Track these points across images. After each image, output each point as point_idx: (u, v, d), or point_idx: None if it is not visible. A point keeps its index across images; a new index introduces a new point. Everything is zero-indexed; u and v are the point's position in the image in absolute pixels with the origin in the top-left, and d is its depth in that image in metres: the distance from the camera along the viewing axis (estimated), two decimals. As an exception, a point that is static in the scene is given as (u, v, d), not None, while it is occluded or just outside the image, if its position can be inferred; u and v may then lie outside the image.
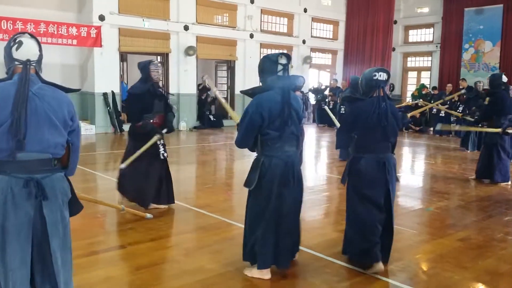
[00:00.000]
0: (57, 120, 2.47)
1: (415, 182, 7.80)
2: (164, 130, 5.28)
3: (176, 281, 3.58)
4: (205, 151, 10.84)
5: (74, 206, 2.66)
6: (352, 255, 4.00)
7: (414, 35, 18.71)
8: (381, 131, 3.80)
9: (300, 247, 4.01)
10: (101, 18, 12.56)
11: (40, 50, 2.58)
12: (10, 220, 2.36)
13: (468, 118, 9.41)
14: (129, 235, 4.56)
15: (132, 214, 5.04)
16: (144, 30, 13.41)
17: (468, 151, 10.83)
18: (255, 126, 3.48)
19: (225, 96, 16.62)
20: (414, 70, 18.96)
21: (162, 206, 5.49)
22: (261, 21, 16.36)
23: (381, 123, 3.77)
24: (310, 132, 14.46)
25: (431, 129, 14.75)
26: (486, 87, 9.13)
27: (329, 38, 18.73)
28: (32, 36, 2.58)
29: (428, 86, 16.62)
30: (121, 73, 13.76)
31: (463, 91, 7.55)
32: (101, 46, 12.47)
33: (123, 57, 14.14)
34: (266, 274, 3.64)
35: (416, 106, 14.96)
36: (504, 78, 7.44)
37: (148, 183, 5.27)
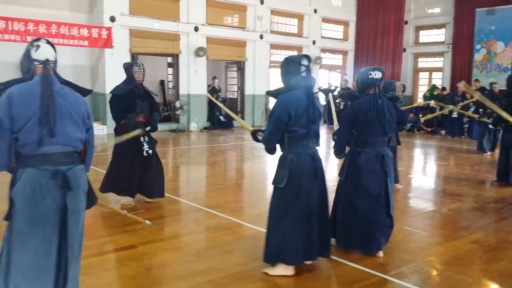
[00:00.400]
0: (77, 117, 2.67)
1: (427, 184, 7.73)
2: (148, 128, 5.53)
3: (187, 282, 3.57)
4: (215, 151, 10.85)
5: (90, 197, 2.82)
6: (350, 245, 4.18)
7: (425, 36, 18.56)
8: (379, 127, 4.08)
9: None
10: (112, 19, 12.64)
11: (56, 52, 2.77)
12: (37, 210, 2.50)
13: (485, 119, 9.30)
14: (139, 235, 4.57)
15: (142, 215, 5.05)
16: (155, 31, 13.46)
17: (488, 153, 10.57)
18: (282, 124, 3.59)
19: (236, 97, 16.66)
20: (426, 71, 18.82)
21: (149, 200, 5.72)
22: (271, 22, 16.35)
23: (379, 119, 4.05)
24: (321, 133, 14.38)
25: (443, 131, 14.62)
26: (503, 88, 8.99)
27: (339, 39, 18.67)
28: (48, 41, 2.78)
29: (439, 87, 16.48)
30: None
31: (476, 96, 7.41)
32: (112, 47, 12.55)
33: (134, 58, 14.21)
34: (290, 270, 3.68)
35: (428, 107, 14.86)
36: None
37: (131, 177, 5.50)
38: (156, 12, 13.46)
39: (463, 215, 5.79)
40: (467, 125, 14.00)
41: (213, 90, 15.27)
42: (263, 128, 3.88)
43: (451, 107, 10.61)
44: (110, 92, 5.59)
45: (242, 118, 15.81)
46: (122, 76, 5.66)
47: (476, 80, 14.35)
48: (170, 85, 16.15)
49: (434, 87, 16.52)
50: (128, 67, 5.45)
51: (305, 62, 3.68)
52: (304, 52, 17.03)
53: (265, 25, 16.04)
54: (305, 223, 3.65)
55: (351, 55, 19.00)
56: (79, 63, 13.10)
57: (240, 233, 4.80)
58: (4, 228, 2.60)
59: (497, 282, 3.75)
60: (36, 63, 2.66)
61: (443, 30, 17.84)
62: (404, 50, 18.33)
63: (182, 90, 14.43)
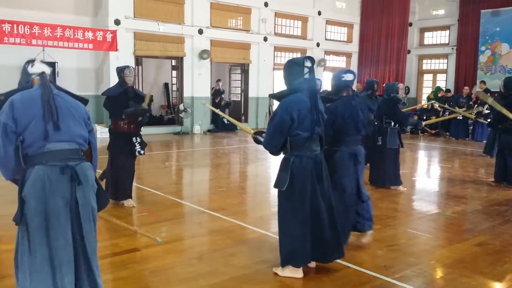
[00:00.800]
0: (78, 116, 2.78)
1: (431, 186, 7.71)
2: (140, 119, 5.67)
3: (190, 285, 3.57)
4: (219, 154, 10.85)
5: (101, 198, 2.86)
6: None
7: (430, 38, 18.54)
8: (353, 126, 4.34)
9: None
10: (117, 22, 12.69)
11: (50, 69, 2.94)
12: (50, 206, 2.57)
13: (481, 120, 9.30)
14: (143, 238, 4.56)
15: (147, 217, 5.05)
16: (159, 34, 13.51)
17: (494, 157, 10.50)
18: (284, 127, 3.57)
19: (239, 99, 16.68)
20: (430, 72, 18.78)
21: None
22: (275, 24, 16.37)
23: (353, 119, 4.31)
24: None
25: (448, 133, 14.55)
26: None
27: (343, 41, 18.66)
28: (41, 61, 3.02)
29: (444, 88, 16.45)
30: (137, 77, 13.87)
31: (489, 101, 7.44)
32: (116, 50, 12.60)
33: (138, 61, 14.27)
34: (299, 273, 3.68)
35: (432, 109, 14.84)
36: None
37: (126, 178, 5.68)
38: (160, 15, 13.51)
39: (467, 217, 5.77)
40: (471, 127, 13.95)
41: (217, 93, 15.31)
42: (265, 130, 3.86)
43: (461, 111, 10.49)
44: (102, 94, 5.80)
45: (246, 120, 15.84)
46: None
47: (482, 81, 14.31)
48: (174, 87, 16.20)
49: (438, 89, 16.49)
50: (120, 71, 5.62)
51: (308, 64, 3.65)
52: (308, 54, 17.03)
53: (269, 27, 16.06)
54: (312, 226, 3.65)
55: (355, 57, 18.99)
56: (84, 66, 13.16)
57: (244, 236, 4.79)
58: (18, 228, 2.64)
59: (501, 285, 3.73)
60: (33, 75, 2.84)
61: (447, 32, 17.81)
62: (409, 52, 18.30)
63: (186, 93, 14.46)
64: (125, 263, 4.00)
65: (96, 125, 11.77)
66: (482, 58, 16.33)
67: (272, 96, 3.97)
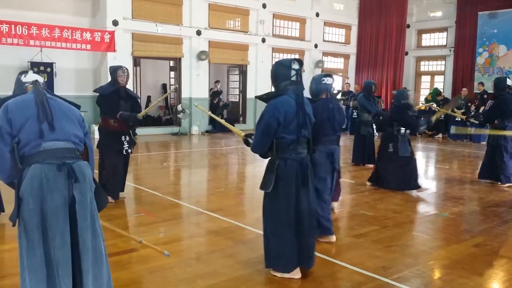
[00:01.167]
0: (73, 117, 2.81)
1: (429, 187, 7.71)
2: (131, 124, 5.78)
3: (188, 285, 3.57)
4: (217, 155, 10.85)
5: (100, 198, 2.84)
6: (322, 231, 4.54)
7: (427, 39, 18.57)
8: (330, 127, 4.57)
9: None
10: (115, 23, 12.69)
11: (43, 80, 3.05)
12: (47, 204, 2.56)
13: (473, 120, 9.34)
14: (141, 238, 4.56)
15: (145, 217, 5.05)
16: (157, 35, 13.51)
17: None
18: (271, 130, 3.55)
19: (237, 100, 16.68)
20: (427, 74, 18.81)
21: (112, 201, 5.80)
22: (273, 26, 16.38)
23: (330, 120, 4.54)
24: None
25: (440, 135, 14.58)
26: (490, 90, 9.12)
27: (341, 42, 18.69)
28: (34, 72, 3.20)
29: (442, 91, 16.46)
30: (134, 78, 13.87)
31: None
32: (114, 51, 12.60)
33: (136, 61, 14.26)
34: (296, 273, 3.68)
35: (430, 110, 14.83)
36: (509, 82, 7.55)
37: (116, 176, 5.76)
38: (158, 16, 13.51)
39: (465, 218, 5.78)
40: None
41: (215, 94, 15.31)
42: None
43: (459, 113, 10.55)
44: (94, 90, 5.87)
45: (244, 121, 15.85)
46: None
47: (480, 83, 14.35)
48: (172, 88, 16.18)
49: (436, 91, 16.49)
50: (113, 70, 5.69)
51: (295, 66, 3.60)
52: (306, 56, 17.08)
53: (267, 29, 16.07)
54: (295, 230, 3.63)
55: (353, 58, 19.01)
56: (81, 66, 13.15)
57: (242, 237, 4.80)
58: (17, 227, 2.64)
59: (499, 286, 3.74)
60: (27, 84, 2.95)
61: (445, 34, 17.84)
62: (406, 53, 18.33)
63: (184, 94, 14.47)
64: (124, 263, 3.99)
65: (94, 125, 11.74)
66: (480, 60, 16.36)
67: (259, 98, 3.91)
